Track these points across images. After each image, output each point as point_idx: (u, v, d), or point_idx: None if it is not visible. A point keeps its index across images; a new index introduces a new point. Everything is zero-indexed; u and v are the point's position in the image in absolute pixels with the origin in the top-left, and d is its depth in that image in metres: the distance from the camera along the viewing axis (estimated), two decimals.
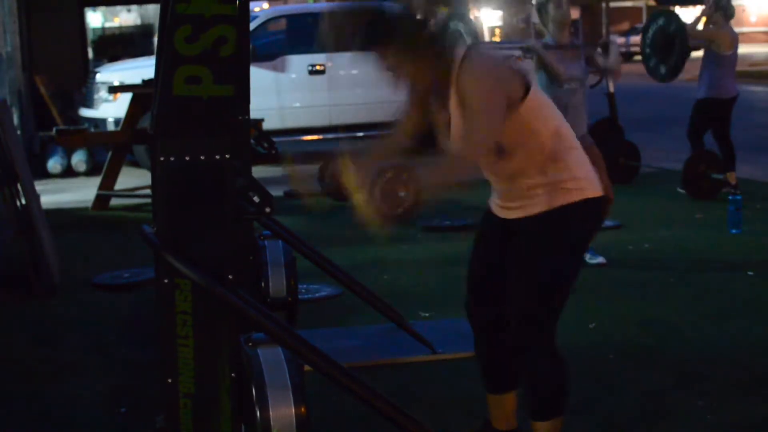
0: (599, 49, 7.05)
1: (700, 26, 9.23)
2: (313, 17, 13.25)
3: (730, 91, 9.05)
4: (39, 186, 7.41)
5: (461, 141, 3.23)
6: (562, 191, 3.26)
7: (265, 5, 34.61)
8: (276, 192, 9.04)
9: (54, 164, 12.17)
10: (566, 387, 3.37)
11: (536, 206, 3.29)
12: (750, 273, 6.29)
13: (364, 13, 3.28)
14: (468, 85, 3.19)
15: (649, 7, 54.67)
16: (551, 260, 3.26)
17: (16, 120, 11.83)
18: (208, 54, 3.06)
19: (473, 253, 3.53)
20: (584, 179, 3.30)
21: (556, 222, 3.27)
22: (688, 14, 57.03)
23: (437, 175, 3.26)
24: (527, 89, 3.24)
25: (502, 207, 3.41)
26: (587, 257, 6.51)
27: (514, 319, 3.30)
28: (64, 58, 15.61)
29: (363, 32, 3.28)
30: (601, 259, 6.53)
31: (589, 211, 3.31)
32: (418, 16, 3.26)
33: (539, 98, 3.30)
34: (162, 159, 3.10)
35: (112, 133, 10.80)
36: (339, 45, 3.37)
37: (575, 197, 3.27)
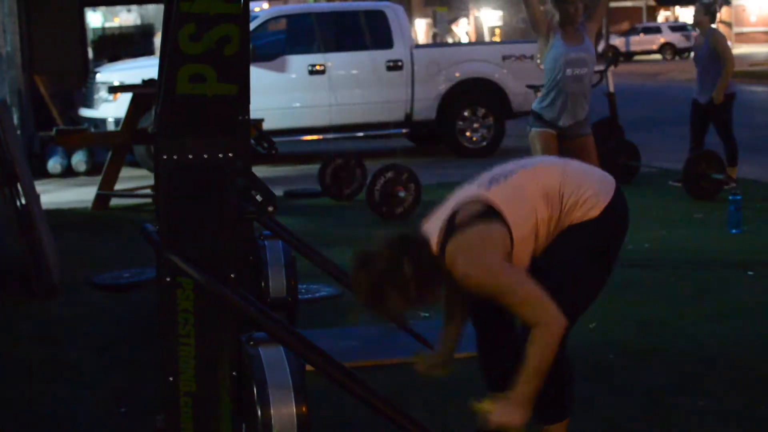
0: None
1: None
2: (313, 17, 13.26)
3: (732, 87, 9.25)
4: (39, 186, 7.41)
5: (534, 331, 3.07)
6: (580, 218, 3.24)
7: (265, 5, 34.62)
8: (276, 192, 9.05)
9: (54, 164, 12.17)
10: (572, 389, 3.36)
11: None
12: (750, 273, 6.29)
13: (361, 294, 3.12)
14: (471, 278, 3.10)
15: (649, 7, 54.70)
16: (567, 266, 3.23)
17: (16, 120, 11.83)
18: (212, 52, 3.05)
19: None
20: (590, 196, 3.24)
21: (573, 233, 3.24)
22: (688, 14, 56.56)
23: (529, 389, 3.08)
24: (508, 228, 3.16)
25: None
26: None
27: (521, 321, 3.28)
28: (64, 58, 15.61)
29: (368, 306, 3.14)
30: None
31: (605, 222, 3.27)
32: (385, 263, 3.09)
33: (515, 206, 3.19)
34: (165, 157, 3.10)
35: (112, 133, 10.81)
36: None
37: (590, 216, 3.23)
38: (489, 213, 3.13)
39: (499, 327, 3.45)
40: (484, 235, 3.10)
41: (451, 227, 3.14)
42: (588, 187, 3.26)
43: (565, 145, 6.62)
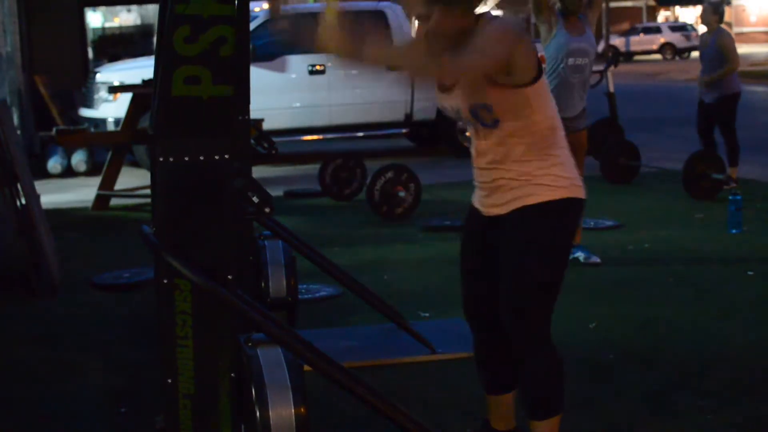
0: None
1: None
2: (314, 17, 13.25)
3: (737, 87, 9.30)
4: (39, 186, 7.41)
5: (452, 57, 3.14)
6: (546, 188, 3.25)
7: (265, 5, 34.57)
8: (276, 192, 9.05)
9: (54, 164, 12.18)
10: (562, 386, 3.36)
11: (518, 200, 3.27)
12: (750, 273, 6.29)
13: None
14: (484, 30, 3.16)
15: (649, 7, 54.70)
16: (538, 257, 3.24)
17: (16, 120, 11.84)
18: (208, 54, 3.05)
19: (462, 253, 3.50)
20: (569, 179, 3.28)
21: (540, 218, 3.25)
22: (688, 14, 56.50)
23: (386, 51, 3.25)
24: (539, 73, 3.23)
25: (487, 204, 3.38)
26: (581, 257, 6.52)
27: (505, 316, 3.29)
28: (64, 58, 15.62)
29: None
30: (596, 259, 6.54)
31: (572, 211, 3.30)
32: None
33: (546, 90, 3.30)
34: (161, 159, 3.10)
35: (112, 133, 10.81)
36: None
37: (558, 195, 3.26)
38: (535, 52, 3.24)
39: (495, 330, 3.44)
40: (522, 33, 3.20)
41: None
42: (571, 171, 3.31)
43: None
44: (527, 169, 3.26)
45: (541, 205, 3.25)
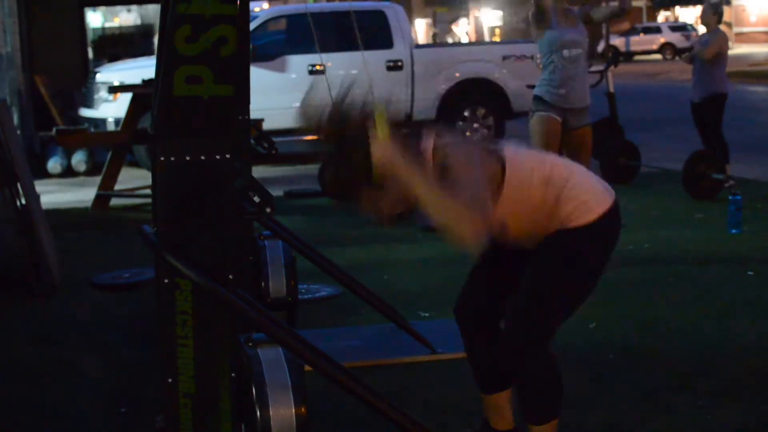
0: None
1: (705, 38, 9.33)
2: (313, 17, 13.26)
3: (725, 87, 9.33)
4: (39, 186, 7.41)
5: (455, 225, 2.97)
6: (573, 219, 3.24)
7: (265, 5, 34.60)
8: (276, 192, 9.05)
9: (54, 164, 12.17)
10: (560, 390, 3.35)
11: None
12: (750, 273, 6.29)
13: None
14: (449, 164, 3.05)
15: (649, 7, 54.70)
16: (561, 273, 3.23)
17: (16, 120, 11.83)
18: (209, 54, 3.05)
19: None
20: (590, 198, 3.25)
21: (568, 240, 3.24)
22: (688, 14, 56.35)
23: (407, 168, 2.99)
24: (503, 167, 3.17)
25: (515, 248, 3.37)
26: None
27: (514, 316, 3.28)
28: (64, 58, 15.60)
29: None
30: None
31: (599, 230, 3.27)
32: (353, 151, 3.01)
33: (518, 164, 3.21)
34: (162, 159, 3.10)
35: (112, 133, 10.81)
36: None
37: (584, 220, 3.23)
38: (492, 150, 3.19)
39: (483, 327, 3.44)
40: (479, 150, 3.14)
41: (454, 137, 3.18)
42: (590, 189, 3.27)
43: (565, 138, 6.72)
44: (551, 224, 3.24)
45: (571, 230, 3.24)
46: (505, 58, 13.18)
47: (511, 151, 3.24)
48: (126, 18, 31.73)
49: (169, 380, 3.18)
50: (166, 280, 3.14)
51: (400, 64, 12.83)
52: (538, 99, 6.76)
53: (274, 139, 10.25)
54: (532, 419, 3.34)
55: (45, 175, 11.83)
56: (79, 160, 12.23)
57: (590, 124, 6.85)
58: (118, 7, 29.35)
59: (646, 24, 49.40)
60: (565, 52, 6.55)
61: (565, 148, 6.85)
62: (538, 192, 3.21)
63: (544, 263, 3.25)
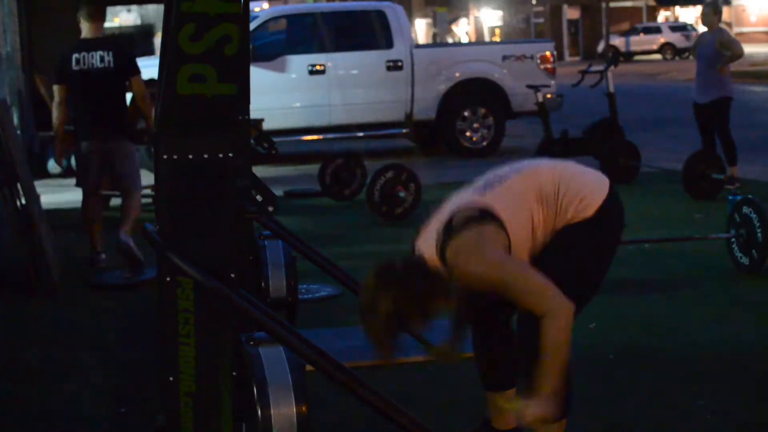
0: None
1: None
2: (313, 17, 13.27)
3: (731, 92, 9.35)
4: (39, 186, 7.40)
5: (543, 321, 3.05)
6: (577, 216, 3.26)
7: (265, 5, 34.60)
8: (276, 192, 9.05)
9: (54, 164, 12.16)
10: (569, 391, 3.35)
11: None
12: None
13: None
14: (474, 276, 3.13)
15: (649, 7, 54.66)
16: (562, 267, 3.23)
17: (16, 120, 11.82)
18: (213, 52, 3.05)
19: None
20: (587, 195, 3.26)
21: (568, 233, 3.25)
22: (688, 14, 56.26)
23: (551, 382, 3.06)
24: (502, 225, 3.19)
25: None
26: None
27: (522, 323, 3.27)
28: None
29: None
30: None
31: (603, 216, 3.28)
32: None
33: (511, 213, 3.22)
34: (165, 157, 3.10)
35: None
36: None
37: (586, 214, 3.25)
38: (485, 216, 3.15)
39: (494, 326, 3.44)
40: (481, 233, 3.13)
41: (447, 234, 3.16)
42: (582, 187, 3.29)
43: None
44: (559, 225, 3.27)
45: (575, 224, 3.26)
46: (505, 58, 13.18)
47: (494, 199, 3.22)
48: (126, 18, 31.68)
49: (170, 379, 3.18)
50: (168, 278, 3.14)
51: (400, 64, 12.83)
52: None
53: (274, 139, 10.28)
54: None
55: (45, 175, 11.82)
56: None
57: None
58: (118, 7, 29.30)
59: (646, 24, 49.38)
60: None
61: None
62: (537, 217, 3.25)
63: (552, 260, 3.25)
